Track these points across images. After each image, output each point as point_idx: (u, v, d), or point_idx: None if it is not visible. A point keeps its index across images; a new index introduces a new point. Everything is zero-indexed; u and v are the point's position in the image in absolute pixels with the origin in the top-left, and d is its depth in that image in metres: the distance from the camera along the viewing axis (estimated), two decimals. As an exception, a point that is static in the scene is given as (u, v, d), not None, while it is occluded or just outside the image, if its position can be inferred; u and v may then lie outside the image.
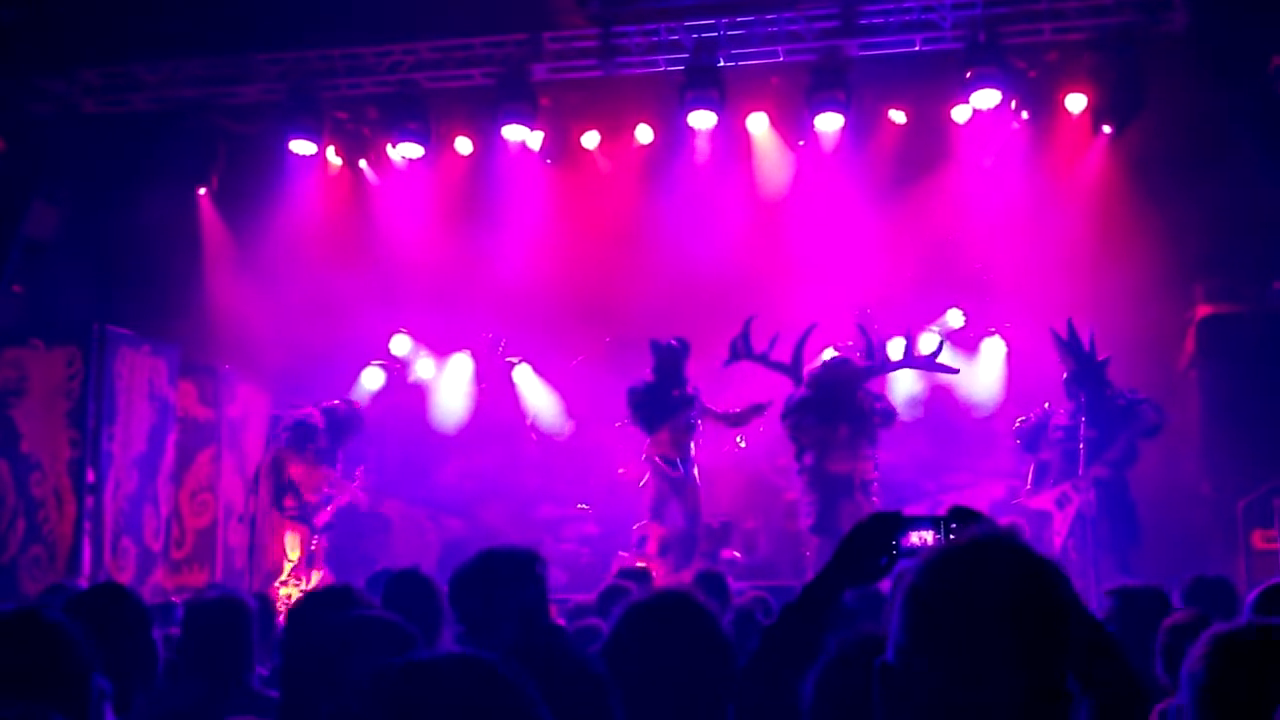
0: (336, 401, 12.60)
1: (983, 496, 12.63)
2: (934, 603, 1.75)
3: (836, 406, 11.03)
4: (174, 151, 13.50)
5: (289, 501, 11.92)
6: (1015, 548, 1.78)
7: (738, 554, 12.26)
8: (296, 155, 13.52)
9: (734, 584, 9.83)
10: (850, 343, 11.95)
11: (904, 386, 13.01)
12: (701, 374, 11.93)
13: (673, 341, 11.44)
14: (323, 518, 12.10)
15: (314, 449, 12.04)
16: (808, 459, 11.18)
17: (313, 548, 12.02)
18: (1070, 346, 10.70)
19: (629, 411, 11.50)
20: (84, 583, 8.63)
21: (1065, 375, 10.71)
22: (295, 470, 11.92)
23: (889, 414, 11.35)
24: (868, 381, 11.44)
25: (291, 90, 13.10)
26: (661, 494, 11.41)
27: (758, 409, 11.67)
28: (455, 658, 1.70)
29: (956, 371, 12.24)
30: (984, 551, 1.77)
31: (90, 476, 10.88)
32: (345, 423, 12.38)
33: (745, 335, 11.46)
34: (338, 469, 12.32)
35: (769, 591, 7.07)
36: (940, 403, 13.24)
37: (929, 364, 11.79)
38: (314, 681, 3.13)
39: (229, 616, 4.38)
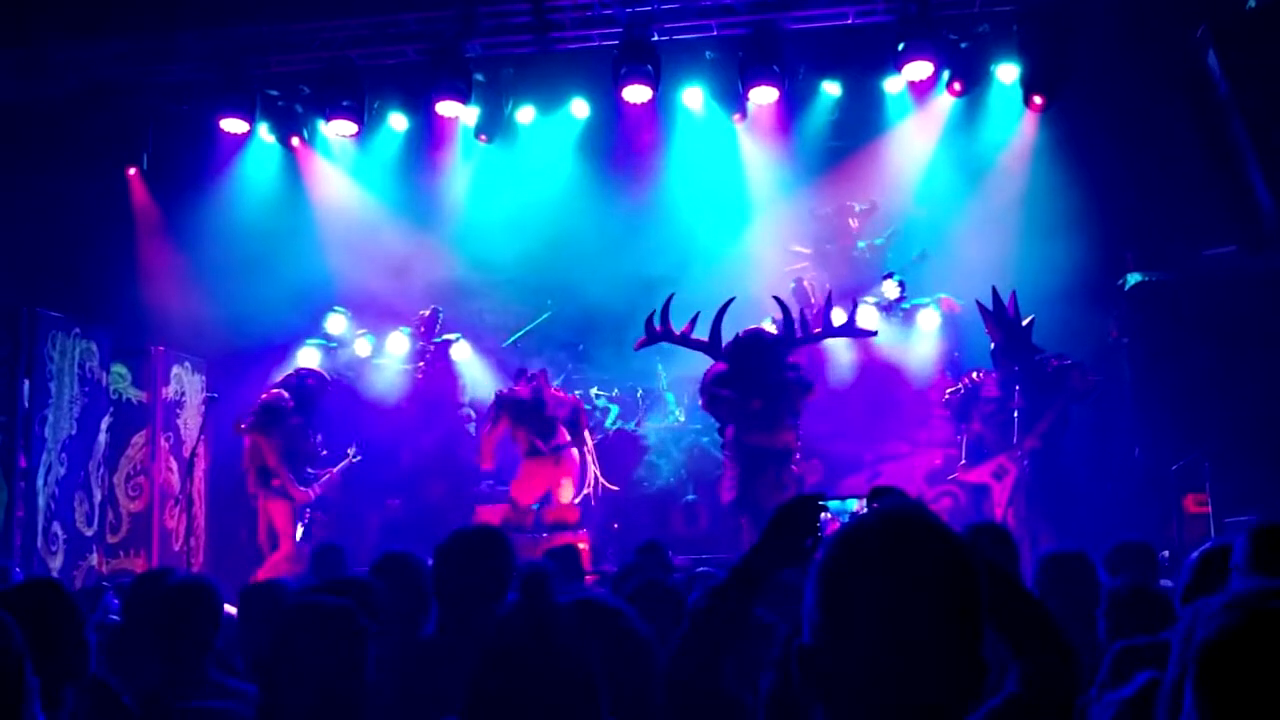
0: (296, 374, 12.78)
1: (920, 466, 12.73)
2: (845, 577, 1.75)
3: (752, 379, 10.93)
4: (104, 131, 13.29)
5: (275, 482, 12.05)
6: (922, 519, 1.77)
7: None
8: (228, 133, 13.36)
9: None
10: (777, 318, 11.91)
11: (842, 358, 13.05)
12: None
13: None
14: (309, 495, 12.25)
15: (285, 429, 12.09)
16: (728, 432, 11.17)
17: (304, 522, 12.34)
18: (996, 316, 10.73)
19: None
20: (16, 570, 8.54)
21: (993, 346, 10.73)
22: (270, 455, 12.00)
23: (805, 384, 11.17)
24: (785, 353, 11.27)
25: (222, 68, 12.92)
26: None
27: None
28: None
29: (874, 334, 12.17)
30: (890, 525, 1.77)
31: (22, 461, 10.76)
32: (312, 393, 12.62)
33: (664, 315, 11.34)
34: (316, 441, 12.64)
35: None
36: (877, 373, 13.29)
37: (847, 331, 11.67)
38: (272, 667, 3.15)
39: (188, 601, 4.27)
